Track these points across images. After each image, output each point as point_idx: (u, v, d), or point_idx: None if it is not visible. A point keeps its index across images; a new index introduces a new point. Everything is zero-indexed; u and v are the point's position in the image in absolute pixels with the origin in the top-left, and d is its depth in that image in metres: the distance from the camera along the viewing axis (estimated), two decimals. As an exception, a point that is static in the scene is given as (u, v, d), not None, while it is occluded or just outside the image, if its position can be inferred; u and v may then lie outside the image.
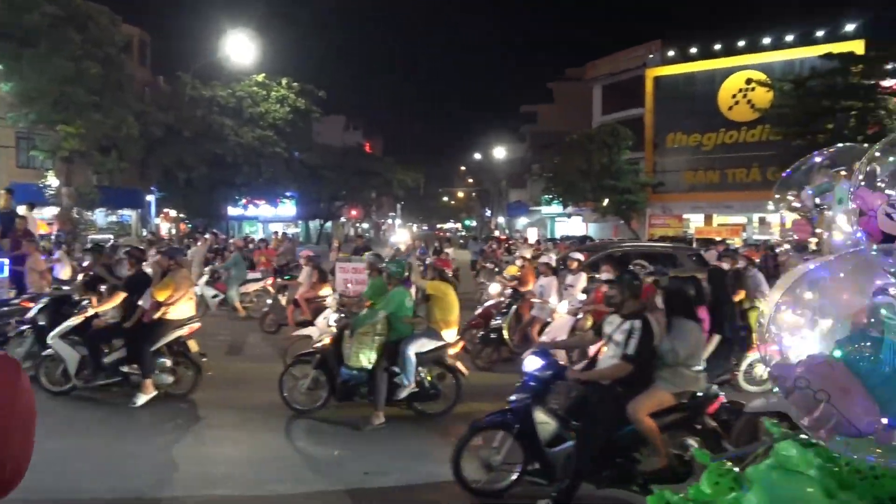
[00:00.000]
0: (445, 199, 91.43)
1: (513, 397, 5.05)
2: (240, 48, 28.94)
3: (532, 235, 40.97)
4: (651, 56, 39.64)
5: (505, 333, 9.63)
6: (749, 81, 34.13)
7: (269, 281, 13.60)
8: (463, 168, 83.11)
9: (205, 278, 13.90)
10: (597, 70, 43.82)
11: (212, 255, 17.36)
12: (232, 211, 38.20)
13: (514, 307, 10.11)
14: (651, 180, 38.12)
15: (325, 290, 10.86)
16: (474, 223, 79.39)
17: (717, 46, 36.98)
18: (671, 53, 39.07)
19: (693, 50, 38.07)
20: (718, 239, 24.79)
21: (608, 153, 35.33)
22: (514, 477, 5.01)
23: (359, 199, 49.75)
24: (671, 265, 11.74)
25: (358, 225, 65.94)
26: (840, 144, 5.12)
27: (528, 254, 13.48)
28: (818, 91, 28.32)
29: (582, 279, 9.46)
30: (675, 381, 4.87)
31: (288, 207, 43.04)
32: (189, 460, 5.74)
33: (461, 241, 50.08)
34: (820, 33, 33.62)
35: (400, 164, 48.54)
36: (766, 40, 35.50)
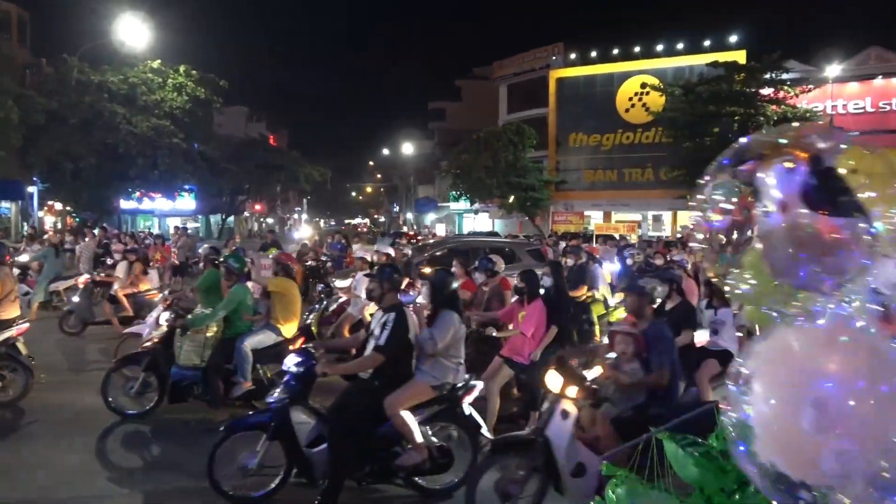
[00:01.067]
0: (354, 194, 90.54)
1: (271, 397, 4.81)
2: (133, 31, 27.33)
3: (440, 231, 41.36)
4: (554, 58, 40.93)
5: (314, 329, 9.11)
6: (644, 86, 35.94)
7: (82, 278, 12.19)
8: (371, 163, 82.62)
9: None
10: (503, 69, 44.73)
11: (101, 251, 16.36)
12: (125, 204, 36.08)
13: (325, 303, 9.71)
14: (554, 178, 39.42)
15: (146, 285, 10.42)
16: (383, 219, 79.11)
17: (616, 51, 38.70)
18: (573, 56, 40.50)
19: (593, 54, 39.66)
20: (617, 235, 25.97)
21: (514, 151, 36.20)
22: (277, 481, 4.74)
23: (263, 194, 48.36)
24: (511, 261, 11.73)
25: (263, 220, 64.08)
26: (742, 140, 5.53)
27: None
28: (705, 97, 30.23)
29: (361, 278, 9.00)
30: (435, 372, 4.87)
31: (187, 201, 41.17)
32: (7, 472, 5.27)
33: (369, 236, 49.73)
34: (707, 42, 35.89)
35: (306, 157, 47.57)
36: (660, 47, 37.52)
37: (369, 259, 9.57)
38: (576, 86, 39.85)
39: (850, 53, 31.88)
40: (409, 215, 63.16)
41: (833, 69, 30.07)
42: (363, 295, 8.54)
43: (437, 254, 12.67)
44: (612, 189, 38.66)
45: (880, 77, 31.61)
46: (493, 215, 43.21)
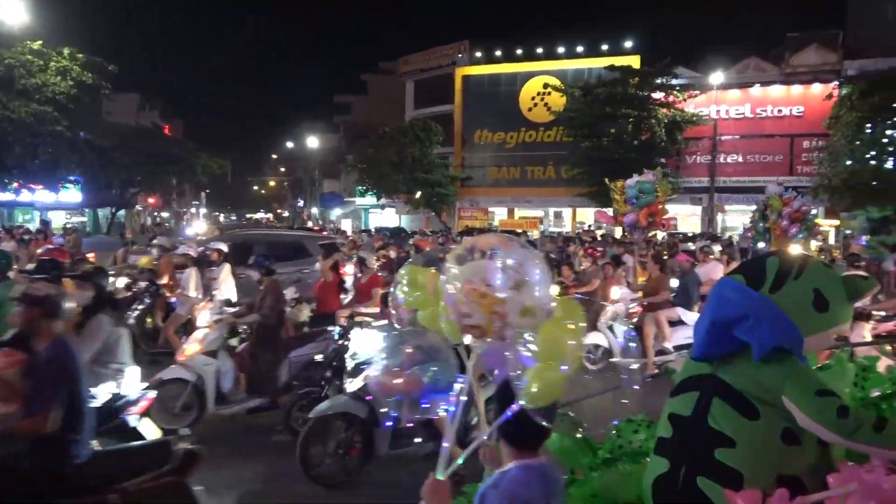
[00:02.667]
0: (256, 187, 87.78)
1: None
2: (8, 8, 25.14)
3: (347, 227, 40.87)
4: (460, 55, 41.42)
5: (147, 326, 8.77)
6: (546, 86, 37.08)
7: None
8: (275, 156, 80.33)
9: None
10: (409, 65, 44.77)
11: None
12: (1, 196, 33.22)
13: (149, 302, 9.24)
14: (460, 175, 39.95)
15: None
16: (287, 214, 77.17)
17: (519, 51, 39.65)
18: (478, 54, 41.13)
19: (498, 53, 40.44)
20: (520, 231, 26.68)
21: (420, 147, 36.38)
22: None
23: (157, 186, 45.90)
24: (299, 254, 11.57)
25: (157, 214, 60.86)
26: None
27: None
28: (603, 98, 31.62)
29: (225, 270, 8.88)
30: (90, 382, 4.44)
31: (72, 193, 38.40)
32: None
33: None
34: (605, 46, 37.48)
35: (205, 149, 45.62)
36: (561, 49, 38.80)
37: (193, 255, 9.25)
38: (481, 84, 40.52)
39: (732, 63, 34.28)
40: (315, 210, 62.00)
41: (717, 77, 32.23)
42: (192, 293, 8.44)
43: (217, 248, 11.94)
44: (516, 186, 39.66)
45: (758, 85, 34.19)
46: (400, 211, 43.23)
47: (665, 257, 13.24)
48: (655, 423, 2.82)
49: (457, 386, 2.43)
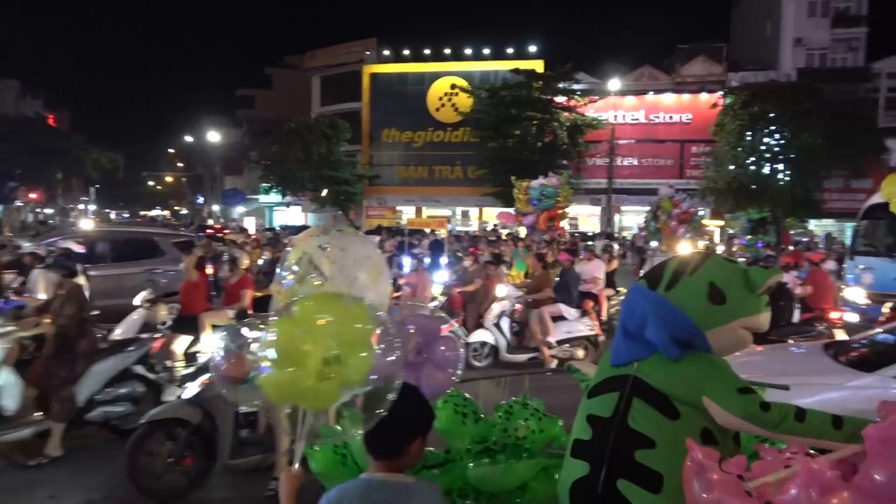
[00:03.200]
0: (151, 183, 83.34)
1: None
2: None
3: (250, 225, 39.61)
4: (368, 53, 41.13)
5: None
6: (453, 87, 37.50)
7: None
8: (172, 151, 76.49)
9: None
10: (316, 60, 43.96)
11: None
12: None
13: None
14: (367, 173, 39.71)
15: None
16: (185, 211, 73.77)
17: (427, 51, 39.88)
18: (386, 53, 41.00)
19: (406, 52, 40.48)
20: (428, 230, 26.82)
21: (327, 144, 35.83)
22: None
23: (40, 181, 42.68)
24: (150, 253, 11.26)
25: (39, 210, 56.50)
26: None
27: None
28: (508, 101, 32.39)
29: (39, 275, 8.19)
30: None
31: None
32: None
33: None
34: (510, 50, 38.38)
35: (94, 142, 42.89)
36: (468, 51, 39.36)
37: (42, 254, 8.84)
38: (389, 82, 40.42)
39: (628, 70, 36.05)
40: (216, 207, 59.61)
41: (614, 83, 33.77)
42: (41, 295, 7.81)
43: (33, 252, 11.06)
44: (424, 185, 39.88)
45: (651, 93, 36.13)
46: (306, 209, 42.38)
47: (554, 255, 13.70)
48: (548, 417, 2.91)
49: None
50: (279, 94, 51.87)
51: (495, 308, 8.94)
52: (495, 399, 3.24)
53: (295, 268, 2.45)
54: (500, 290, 9.16)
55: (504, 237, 19.73)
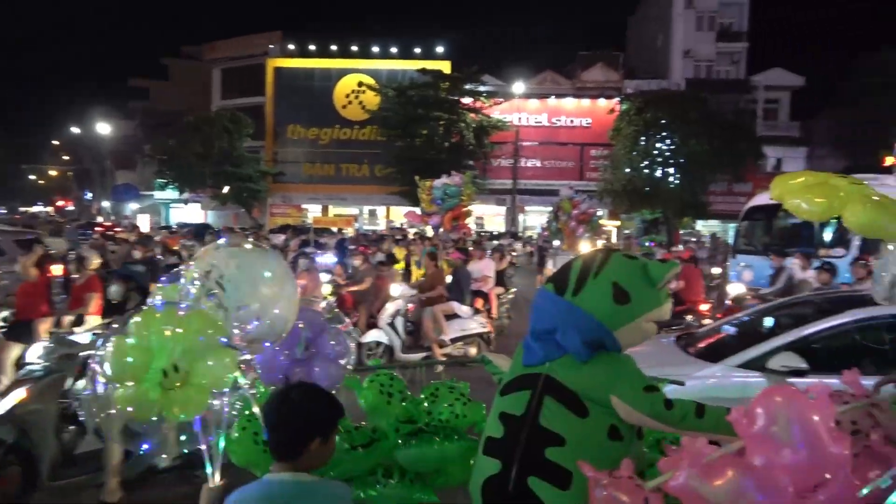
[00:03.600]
0: (33, 177, 77.31)
1: None
2: None
3: (143, 223, 37.57)
4: (272, 46, 40.03)
5: None
6: (361, 84, 37.21)
7: None
8: (56, 142, 71.25)
9: None
10: (216, 52, 42.29)
11: None
12: None
13: None
14: (272, 170, 38.65)
15: None
16: (72, 207, 68.96)
17: (334, 47, 39.31)
18: (291, 47, 40.07)
19: (312, 47, 39.71)
20: (335, 229, 26.47)
21: (229, 139, 34.58)
22: None
23: None
24: None
25: None
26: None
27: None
28: (415, 100, 32.53)
29: None
30: None
31: None
32: None
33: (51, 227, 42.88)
34: (418, 50, 38.53)
35: (-36, 130, 39.28)
36: (375, 49, 39.15)
37: None
38: (294, 77, 39.52)
39: (532, 74, 37.10)
40: (106, 204, 56.09)
41: (519, 87, 34.66)
42: None
43: None
44: (330, 183, 39.30)
45: (553, 97, 37.37)
46: (206, 206, 40.65)
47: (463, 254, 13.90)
48: (472, 402, 2.91)
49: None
50: (176, 86, 49.42)
51: (389, 307, 8.87)
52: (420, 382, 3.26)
53: (195, 282, 2.42)
54: (394, 289, 9.11)
55: (412, 236, 19.81)
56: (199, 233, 20.31)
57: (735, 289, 12.27)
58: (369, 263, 10.48)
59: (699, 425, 2.06)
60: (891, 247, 2.06)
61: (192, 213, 42.36)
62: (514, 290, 11.60)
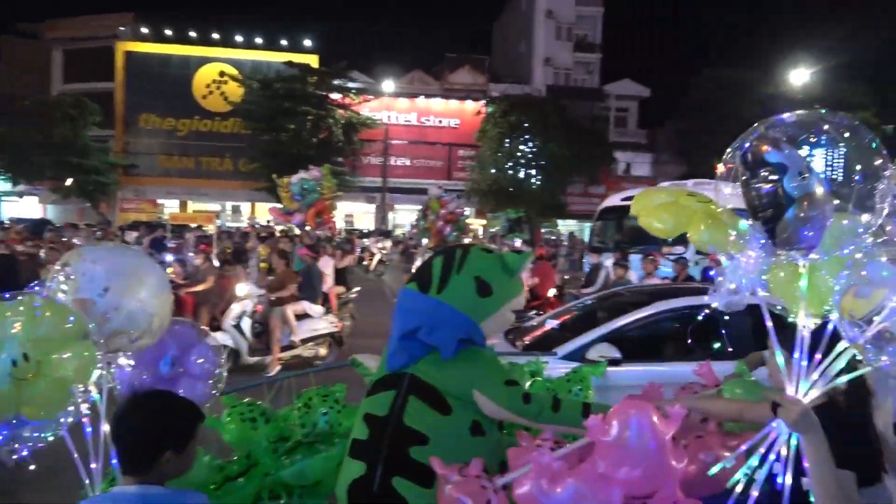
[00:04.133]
0: None
1: None
2: None
3: (-32, 217, 33.47)
4: (122, 28, 37.12)
5: None
6: (222, 74, 35.54)
7: None
8: None
9: None
10: (58, 31, 38.46)
11: None
12: None
13: None
14: (122, 161, 35.86)
15: None
16: None
17: (193, 34, 37.20)
18: (145, 30, 37.40)
19: (168, 32, 37.31)
20: (194, 225, 25.14)
21: (72, 127, 31.63)
22: None
23: None
24: None
25: None
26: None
27: None
28: (282, 93, 31.60)
29: None
30: None
31: None
32: None
33: None
34: (284, 41, 37.43)
35: None
36: (239, 38, 37.53)
37: None
38: (148, 63, 36.90)
39: (401, 73, 37.34)
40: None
41: (388, 85, 34.76)
42: None
43: None
44: (189, 177, 37.14)
45: (422, 97, 37.85)
46: (44, 200, 36.89)
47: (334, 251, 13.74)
48: (348, 408, 2.88)
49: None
50: (8, 66, 44.45)
51: (235, 308, 8.33)
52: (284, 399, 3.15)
53: (62, 284, 2.27)
54: (240, 289, 8.56)
55: (279, 234, 19.23)
56: (37, 229, 18.53)
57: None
58: (210, 262, 9.88)
59: (555, 419, 2.17)
60: (724, 259, 2.29)
61: (28, 207, 38.30)
62: (357, 288, 11.29)
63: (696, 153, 34.91)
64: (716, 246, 2.37)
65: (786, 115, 1.98)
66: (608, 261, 10.89)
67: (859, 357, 1.74)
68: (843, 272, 1.76)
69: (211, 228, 23.15)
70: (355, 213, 38.76)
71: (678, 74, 51.91)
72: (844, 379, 1.80)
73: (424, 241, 17.86)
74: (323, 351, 8.79)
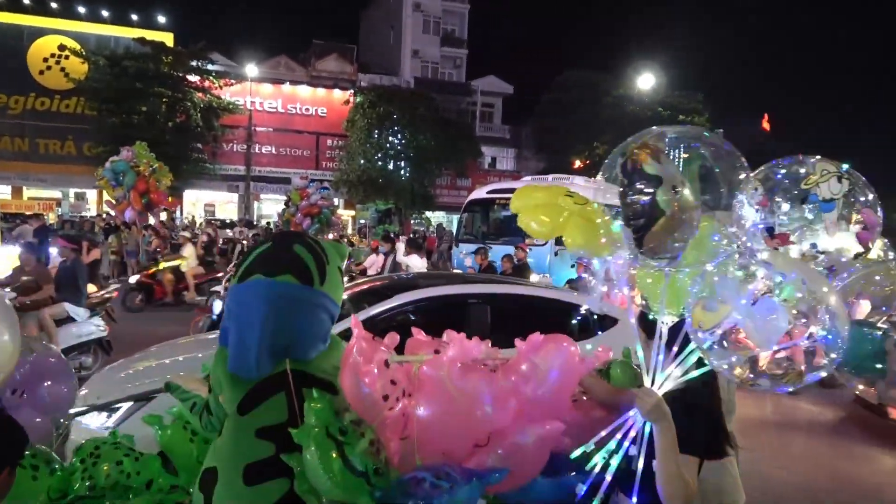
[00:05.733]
0: None
1: None
2: None
3: None
4: (-63, -11, 32.64)
5: None
6: (63, 48, 32.33)
7: None
8: None
9: None
10: None
11: None
12: None
13: None
14: (-61, 140, 31.63)
15: None
16: None
17: (27, 1, 33.44)
18: (-34, -6, 33.11)
19: (-2, -3, 33.29)
20: (29, 213, 22.77)
21: None
22: None
23: None
24: None
25: None
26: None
27: None
28: (132, 72, 29.31)
29: None
30: None
31: None
32: None
33: None
34: (135, 17, 34.71)
35: None
36: (82, 9, 34.25)
37: None
38: (-29, 31, 32.74)
39: (265, 57, 35.95)
40: None
41: (252, 69, 33.34)
42: None
43: None
44: (24, 160, 33.39)
45: (288, 83, 36.70)
46: None
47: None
48: (145, 456, 2.59)
49: None
50: None
51: None
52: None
53: None
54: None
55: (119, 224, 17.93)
56: None
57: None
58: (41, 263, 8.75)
59: None
60: (596, 262, 2.40)
61: None
62: (115, 286, 10.20)
63: (556, 149, 36.89)
64: (588, 250, 2.42)
65: (667, 128, 2.08)
66: (398, 248, 11.57)
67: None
68: (696, 281, 1.89)
69: (52, 217, 21.13)
70: (217, 202, 36.94)
71: (540, 74, 54.44)
72: (698, 373, 1.99)
73: (293, 233, 17.41)
74: (88, 360, 7.62)
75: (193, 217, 32.37)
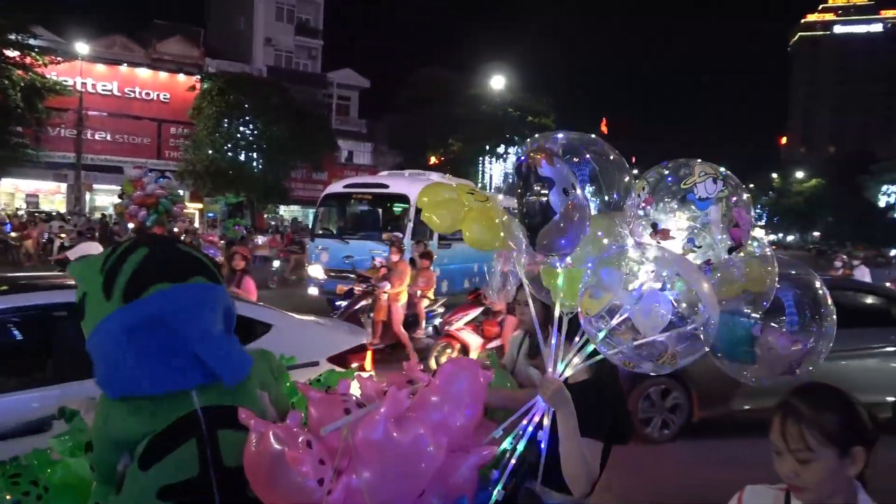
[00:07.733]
0: None
1: None
2: None
3: None
4: None
5: None
6: None
7: None
8: None
9: None
10: None
11: None
12: None
13: None
14: None
15: None
16: None
17: None
18: None
19: None
20: None
21: None
22: None
23: None
24: None
25: None
26: None
27: None
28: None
29: None
30: None
31: None
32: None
33: None
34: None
35: None
36: None
37: None
38: None
39: (98, 35, 32.92)
40: None
41: (83, 47, 30.39)
42: None
43: None
44: None
45: (126, 65, 33.89)
46: None
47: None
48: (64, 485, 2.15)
49: None
50: None
51: None
52: None
53: None
54: None
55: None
56: None
57: (314, 270, 13.36)
58: None
59: None
60: (497, 265, 2.52)
61: None
62: None
63: (411, 145, 37.40)
64: (483, 246, 2.55)
65: (559, 134, 2.21)
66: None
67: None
68: (585, 273, 2.02)
69: None
70: (41, 192, 33.35)
71: (398, 69, 54.78)
72: (597, 359, 2.09)
73: (131, 225, 16.17)
74: None
75: (17, 209, 29.09)
